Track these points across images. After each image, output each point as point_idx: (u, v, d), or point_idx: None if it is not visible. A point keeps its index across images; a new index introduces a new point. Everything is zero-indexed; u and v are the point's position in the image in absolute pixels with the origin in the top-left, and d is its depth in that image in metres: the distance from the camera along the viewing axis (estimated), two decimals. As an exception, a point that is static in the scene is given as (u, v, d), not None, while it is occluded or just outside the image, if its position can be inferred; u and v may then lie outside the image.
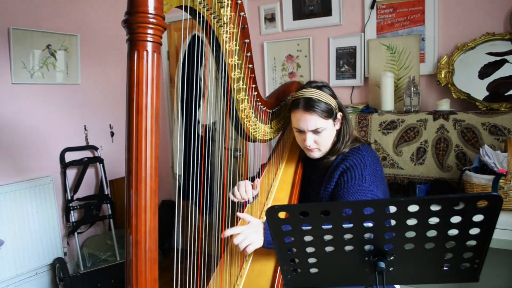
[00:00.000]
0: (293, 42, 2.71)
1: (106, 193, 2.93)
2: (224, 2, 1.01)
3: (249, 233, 1.07)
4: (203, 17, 0.96)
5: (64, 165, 2.77)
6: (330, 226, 0.73)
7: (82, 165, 2.87)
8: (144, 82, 0.72)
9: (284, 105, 1.51)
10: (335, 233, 0.74)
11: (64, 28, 2.78)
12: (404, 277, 0.82)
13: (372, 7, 2.39)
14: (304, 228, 0.74)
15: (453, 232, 0.71)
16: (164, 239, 3.19)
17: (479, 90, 2.08)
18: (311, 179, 1.41)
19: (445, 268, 0.78)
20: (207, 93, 2.74)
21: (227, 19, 1.03)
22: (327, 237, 0.75)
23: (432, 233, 0.72)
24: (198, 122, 2.82)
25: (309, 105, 1.25)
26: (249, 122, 1.31)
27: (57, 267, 2.63)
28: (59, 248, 2.73)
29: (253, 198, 1.36)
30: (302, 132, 1.30)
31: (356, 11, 2.47)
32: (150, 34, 0.72)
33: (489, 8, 2.09)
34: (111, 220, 2.87)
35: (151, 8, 0.72)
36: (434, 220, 0.69)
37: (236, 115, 1.26)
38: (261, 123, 1.38)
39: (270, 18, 2.78)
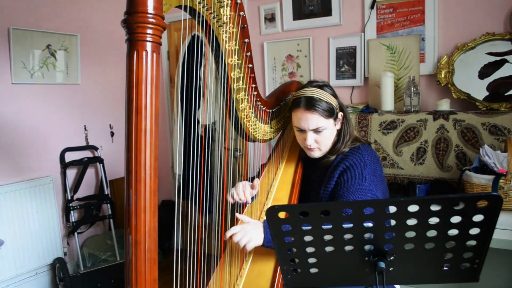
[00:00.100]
0: (293, 42, 2.71)
1: (106, 193, 2.93)
2: (224, 1, 1.00)
3: (249, 230, 1.08)
4: (202, 16, 0.96)
5: (64, 165, 2.77)
6: (330, 226, 0.73)
7: (82, 165, 2.87)
8: (144, 82, 0.72)
9: (284, 104, 1.51)
10: (335, 233, 0.74)
11: (64, 28, 2.78)
12: (404, 277, 0.82)
13: (372, 7, 2.39)
14: (304, 228, 0.74)
15: (453, 232, 0.71)
16: (164, 239, 3.19)
17: (479, 90, 2.08)
18: (311, 178, 1.41)
19: (445, 268, 0.78)
20: (206, 93, 2.74)
21: (226, 19, 1.03)
22: (327, 237, 0.75)
23: (432, 233, 0.72)
24: (198, 122, 2.82)
25: (311, 104, 1.25)
26: (248, 122, 1.30)
27: (57, 267, 2.63)
28: (59, 248, 2.73)
29: (252, 198, 1.36)
30: (302, 131, 1.30)
31: (356, 11, 2.47)
32: (150, 34, 0.72)
33: (489, 8, 2.09)
34: (111, 220, 2.87)
35: (150, 8, 0.71)
36: (434, 220, 0.69)
37: (236, 115, 1.26)
38: (261, 123, 1.38)
39: (270, 18, 2.78)
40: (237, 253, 1.21)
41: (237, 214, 1.17)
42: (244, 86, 1.21)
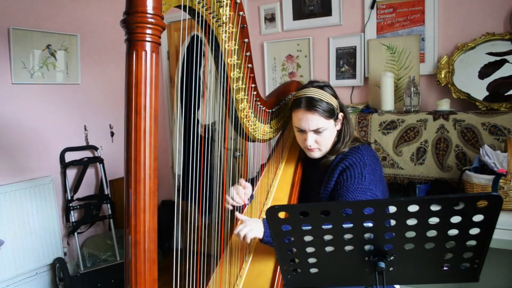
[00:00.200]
0: (293, 42, 2.71)
1: (106, 193, 2.93)
2: (223, 1, 1.00)
3: (250, 222, 1.10)
4: (202, 16, 0.96)
5: (64, 165, 2.77)
6: (330, 226, 0.73)
7: (82, 165, 2.87)
8: (143, 82, 0.72)
9: (284, 104, 1.50)
10: (335, 233, 0.74)
11: (64, 28, 2.78)
12: (404, 277, 0.82)
13: (372, 7, 2.39)
14: (304, 228, 0.74)
15: (453, 232, 0.71)
16: (164, 239, 3.19)
17: (479, 90, 2.08)
18: (311, 179, 1.41)
19: (445, 268, 0.78)
20: (206, 93, 2.73)
21: (226, 19, 1.03)
22: (327, 237, 0.75)
23: (432, 233, 0.72)
24: (198, 122, 2.81)
25: (311, 105, 1.24)
26: (248, 122, 1.30)
27: (57, 267, 2.63)
28: (59, 248, 2.73)
29: (249, 198, 1.35)
30: (303, 131, 1.29)
31: (356, 11, 2.47)
32: (149, 34, 0.72)
33: (489, 8, 2.09)
34: (111, 220, 2.87)
35: (149, 8, 0.71)
36: (434, 220, 0.69)
37: (236, 114, 1.26)
38: (261, 122, 1.38)
39: (270, 18, 2.78)
40: (237, 253, 1.21)
41: (237, 213, 1.17)
42: (243, 86, 1.20)
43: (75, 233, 2.73)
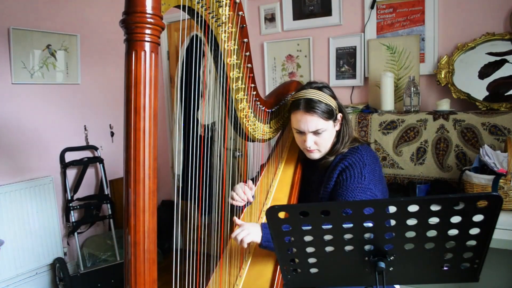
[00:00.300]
0: (293, 42, 2.71)
1: (106, 193, 2.93)
2: (223, 1, 1.00)
3: (247, 226, 1.10)
4: (201, 16, 0.96)
5: (64, 165, 2.76)
6: (330, 226, 0.73)
7: (82, 165, 2.87)
8: (142, 83, 0.72)
9: (283, 104, 1.50)
10: (335, 233, 0.74)
11: (64, 28, 2.78)
12: (404, 277, 0.82)
13: (372, 7, 2.39)
14: (304, 228, 0.74)
15: (453, 232, 0.71)
16: (164, 239, 3.18)
17: (479, 90, 2.08)
18: (311, 180, 1.41)
19: (445, 268, 0.77)
20: (206, 93, 2.73)
21: (225, 19, 1.03)
22: (327, 237, 0.75)
23: (432, 233, 0.72)
24: (198, 122, 2.81)
25: (310, 106, 1.24)
26: (248, 121, 1.30)
27: (57, 267, 2.63)
28: (59, 248, 2.73)
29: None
30: (302, 133, 1.29)
31: (356, 11, 2.47)
32: (148, 34, 0.72)
33: (489, 8, 2.09)
34: (111, 220, 2.87)
35: (149, 8, 0.71)
36: (434, 220, 0.69)
37: (235, 114, 1.25)
38: (260, 122, 1.37)
39: (270, 18, 2.78)
40: (236, 253, 1.21)
41: (235, 218, 1.17)
42: (243, 86, 1.20)
43: (75, 233, 2.73)
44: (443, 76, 2.16)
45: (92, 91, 3.01)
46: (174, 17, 3.09)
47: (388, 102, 2.26)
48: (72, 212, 2.74)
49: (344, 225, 0.72)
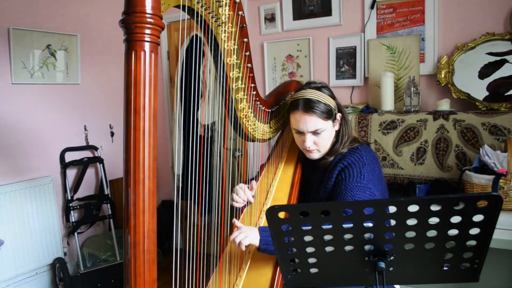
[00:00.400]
0: (293, 42, 2.71)
1: (106, 193, 2.93)
2: (222, 1, 1.00)
3: (245, 229, 1.10)
4: (201, 16, 0.96)
5: (64, 165, 2.76)
6: (330, 226, 0.73)
7: (82, 165, 2.87)
8: (142, 83, 0.72)
9: (283, 104, 1.50)
10: (335, 233, 0.74)
11: (64, 28, 2.78)
12: (404, 277, 0.82)
13: (372, 7, 2.39)
14: (304, 228, 0.74)
15: (453, 232, 0.71)
16: (164, 239, 3.18)
17: (479, 90, 2.08)
18: (311, 180, 1.41)
19: (445, 268, 0.77)
20: (206, 93, 2.73)
21: (225, 18, 1.03)
22: (327, 237, 0.75)
23: (432, 233, 0.72)
24: (197, 121, 2.81)
25: (309, 106, 1.24)
26: (248, 121, 1.30)
27: (57, 267, 2.63)
28: (59, 248, 2.73)
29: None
30: (301, 133, 1.29)
31: (356, 11, 2.47)
32: (148, 34, 0.72)
33: (489, 8, 2.08)
34: (111, 220, 2.87)
35: (148, 8, 0.71)
36: (434, 220, 0.69)
37: (235, 114, 1.25)
38: (260, 122, 1.37)
39: (270, 18, 2.78)
40: (236, 253, 1.21)
41: (234, 220, 1.17)
42: (243, 85, 1.20)
43: (75, 233, 2.73)
44: (443, 76, 2.16)
45: (92, 91, 3.01)
46: (174, 17, 3.09)
47: (388, 102, 2.26)
48: (72, 212, 2.74)
49: (344, 225, 0.72)
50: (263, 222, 1.27)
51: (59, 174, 2.79)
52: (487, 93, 2.07)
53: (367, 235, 0.74)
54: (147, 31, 0.71)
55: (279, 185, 1.40)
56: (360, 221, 0.71)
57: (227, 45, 1.08)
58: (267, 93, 2.76)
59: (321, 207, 0.73)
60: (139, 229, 0.73)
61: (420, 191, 1.97)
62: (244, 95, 1.22)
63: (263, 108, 1.36)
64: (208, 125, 2.83)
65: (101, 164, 2.92)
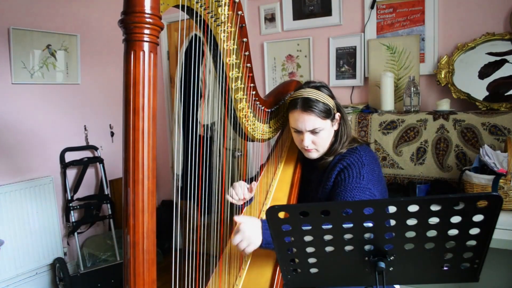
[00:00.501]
0: (293, 42, 2.71)
1: (106, 193, 2.93)
2: (222, 1, 1.00)
3: (247, 234, 1.04)
4: (200, 16, 0.96)
5: (64, 165, 2.76)
6: (330, 226, 0.73)
7: (82, 165, 2.87)
8: (141, 83, 0.72)
9: (283, 104, 1.50)
10: (335, 233, 0.74)
11: (64, 28, 2.78)
12: (404, 277, 0.82)
13: (372, 7, 2.39)
14: (304, 228, 0.74)
15: (453, 232, 0.71)
16: (164, 239, 3.18)
17: (479, 90, 2.08)
18: (310, 180, 1.41)
19: (445, 268, 0.77)
20: (205, 93, 2.73)
21: (224, 18, 1.03)
22: (327, 237, 0.75)
23: (432, 233, 0.71)
24: (197, 120, 2.81)
25: (307, 105, 1.24)
26: (247, 121, 1.30)
27: (57, 267, 2.63)
28: (59, 248, 2.73)
29: (250, 200, 1.35)
30: (300, 132, 1.29)
31: (356, 11, 2.47)
32: (147, 34, 0.71)
33: (489, 8, 2.08)
34: (111, 220, 2.87)
35: (147, 8, 0.71)
36: (434, 220, 0.69)
37: (235, 114, 1.25)
38: (260, 122, 1.37)
39: (270, 18, 2.78)
40: (236, 253, 1.21)
41: (235, 217, 1.16)
42: (242, 85, 1.20)
43: (75, 233, 2.73)
44: (443, 76, 2.16)
45: (92, 91, 3.01)
46: (174, 17, 3.09)
47: (388, 102, 2.26)
48: (72, 212, 2.74)
49: (344, 225, 0.72)
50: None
51: (59, 174, 2.79)
52: (487, 93, 2.06)
53: (367, 235, 0.74)
54: (146, 31, 0.71)
55: (278, 185, 1.40)
56: (360, 221, 0.71)
57: (227, 45, 1.08)
58: (267, 93, 2.76)
59: (321, 207, 0.72)
60: (138, 229, 0.72)
61: (420, 191, 1.97)
62: (243, 95, 1.22)
63: (262, 108, 1.35)
64: (207, 125, 2.83)
65: (101, 164, 2.92)
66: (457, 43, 2.15)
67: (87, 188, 2.94)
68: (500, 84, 2.03)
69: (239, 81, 1.18)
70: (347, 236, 0.74)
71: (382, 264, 0.75)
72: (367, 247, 0.76)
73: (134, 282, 0.72)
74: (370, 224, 0.71)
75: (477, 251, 0.73)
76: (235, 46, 1.12)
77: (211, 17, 1.00)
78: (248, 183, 1.37)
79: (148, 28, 0.71)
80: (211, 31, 1.03)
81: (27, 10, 2.58)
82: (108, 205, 2.91)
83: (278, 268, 1.10)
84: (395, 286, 1.24)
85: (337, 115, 1.32)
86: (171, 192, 3.45)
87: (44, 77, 2.68)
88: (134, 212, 0.72)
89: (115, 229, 2.85)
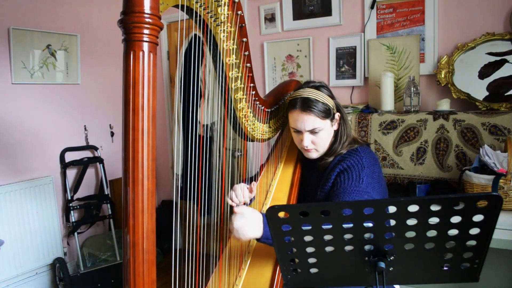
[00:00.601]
0: (293, 42, 2.71)
1: (106, 193, 2.93)
2: (221, 0, 1.00)
3: (249, 221, 1.01)
4: (200, 16, 0.96)
5: (64, 165, 2.76)
6: (330, 226, 0.73)
7: (82, 165, 2.87)
8: (140, 83, 0.72)
9: (283, 104, 1.50)
10: (335, 233, 0.74)
11: (64, 28, 2.78)
12: (404, 277, 0.82)
13: (372, 7, 2.39)
14: (304, 228, 0.74)
15: (453, 232, 0.71)
16: (164, 239, 3.18)
17: (479, 90, 2.08)
18: (309, 180, 1.40)
19: (445, 268, 0.77)
20: (205, 93, 2.73)
21: (224, 18, 1.03)
22: (327, 237, 0.75)
23: (432, 233, 0.71)
24: (197, 121, 2.81)
25: (307, 105, 1.24)
26: (247, 121, 1.30)
27: (57, 267, 2.63)
28: (59, 248, 2.73)
29: (250, 200, 1.35)
30: (299, 132, 1.29)
31: (356, 11, 2.47)
32: (146, 34, 0.71)
33: (489, 8, 2.08)
34: (111, 220, 2.87)
35: (147, 8, 0.71)
36: (434, 220, 0.69)
37: (234, 114, 1.25)
38: (260, 122, 1.37)
39: (270, 18, 2.78)
40: (236, 253, 1.21)
41: (235, 208, 1.14)
42: (242, 85, 1.20)
43: (75, 233, 2.73)
44: (443, 76, 2.16)
45: (92, 91, 3.01)
46: (174, 17, 3.09)
47: (388, 102, 2.26)
48: (72, 212, 2.74)
49: (344, 225, 0.72)
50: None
51: (59, 174, 2.79)
52: (487, 93, 2.06)
53: (367, 235, 0.74)
54: (146, 31, 0.71)
55: (278, 185, 1.39)
56: (360, 221, 0.71)
57: (226, 45, 1.08)
58: (267, 93, 2.76)
59: (321, 207, 0.72)
60: (138, 229, 0.72)
61: (420, 191, 1.97)
62: (243, 94, 1.22)
63: (262, 107, 1.35)
64: (207, 125, 2.83)
65: (101, 164, 2.92)
66: (457, 43, 2.15)
67: (87, 188, 2.94)
68: (500, 84, 2.03)
69: (239, 81, 1.18)
70: (347, 236, 0.74)
71: (382, 264, 0.75)
72: (367, 247, 0.76)
73: (134, 282, 0.72)
74: (370, 224, 0.71)
75: (477, 251, 0.73)
76: (235, 46, 1.12)
77: (211, 17, 1.00)
78: (248, 183, 1.37)
79: (147, 28, 0.71)
80: (210, 31, 1.03)
81: (27, 10, 2.58)
82: (108, 205, 2.91)
83: (278, 268, 1.10)
84: (395, 286, 1.24)
85: (337, 115, 1.31)
86: (171, 192, 3.45)
87: (44, 77, 2.68)
88: (134, 212, 0.72)
89: (115, 229, 2.85)
